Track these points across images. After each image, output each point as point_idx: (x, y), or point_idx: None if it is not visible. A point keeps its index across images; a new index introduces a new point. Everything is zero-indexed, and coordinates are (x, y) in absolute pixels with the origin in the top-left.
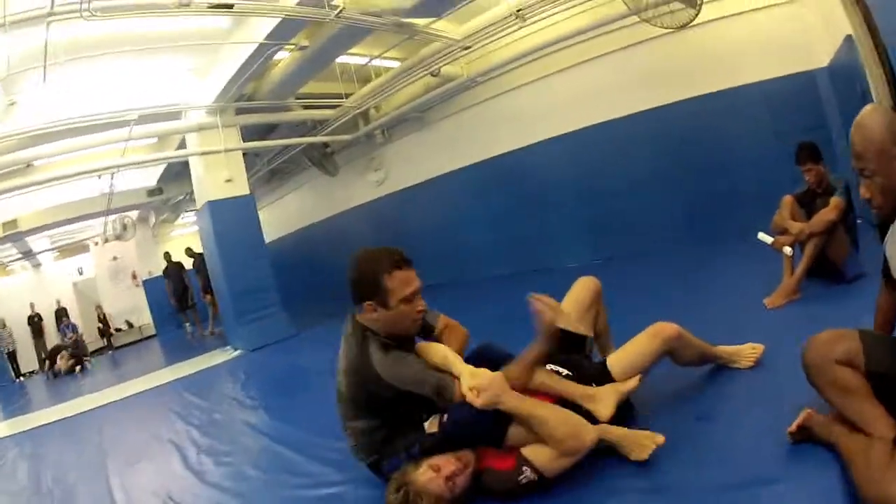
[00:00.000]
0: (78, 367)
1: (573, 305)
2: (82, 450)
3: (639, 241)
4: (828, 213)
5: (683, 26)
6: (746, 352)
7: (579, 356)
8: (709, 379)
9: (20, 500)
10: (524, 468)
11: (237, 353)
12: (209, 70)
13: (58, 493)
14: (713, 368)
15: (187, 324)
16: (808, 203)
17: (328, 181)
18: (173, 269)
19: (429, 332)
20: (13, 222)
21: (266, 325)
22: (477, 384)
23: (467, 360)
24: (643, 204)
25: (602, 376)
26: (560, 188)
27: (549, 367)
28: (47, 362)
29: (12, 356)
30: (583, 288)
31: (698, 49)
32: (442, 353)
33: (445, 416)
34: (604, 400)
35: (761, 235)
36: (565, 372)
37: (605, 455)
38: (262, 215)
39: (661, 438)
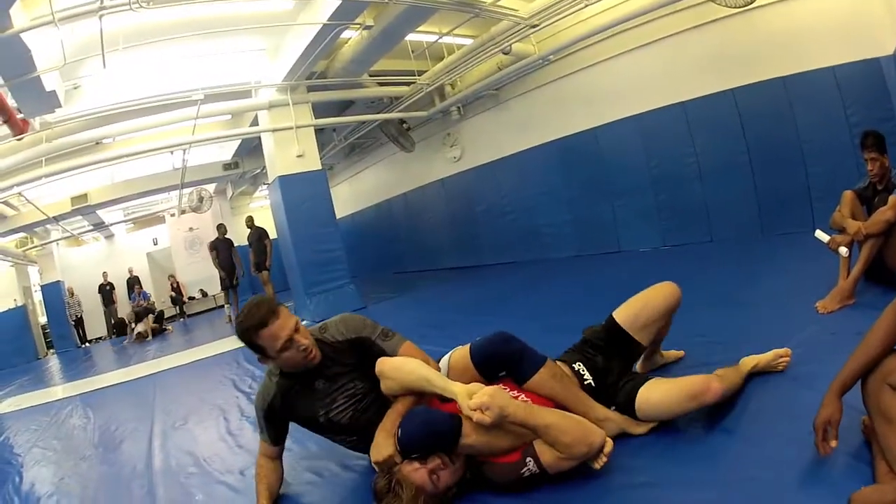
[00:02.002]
0: (162, 331)
1: (641, 310)
2: (133, 412)
3: (707, 230)
4: (885, 213)
5: (747, 5)
6: (772, 359)
7: (623, 363)
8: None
9: (64, 456)
10: (528, 460)
11: (303, 323)
12: (278, 49)
13: (101, 451)
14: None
15: (227, 305)
16: (869, 199)
17: (405, 157)
18: (222, 242)
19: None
20: (83, 196)
21: (333, 298)
22: (479, 403)
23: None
24: (712, 191)
25: (624, 408)
26: (630, 171)
27: (578, 365)
28: (130, 326)
29: (79, 322)
30: (660, 297)
31: (765, 31)
32: (422, 373)
33: (399, 430)
34: (606, 429)
35: (818, 233)
36: (588, 380)
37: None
38: (341, 189)
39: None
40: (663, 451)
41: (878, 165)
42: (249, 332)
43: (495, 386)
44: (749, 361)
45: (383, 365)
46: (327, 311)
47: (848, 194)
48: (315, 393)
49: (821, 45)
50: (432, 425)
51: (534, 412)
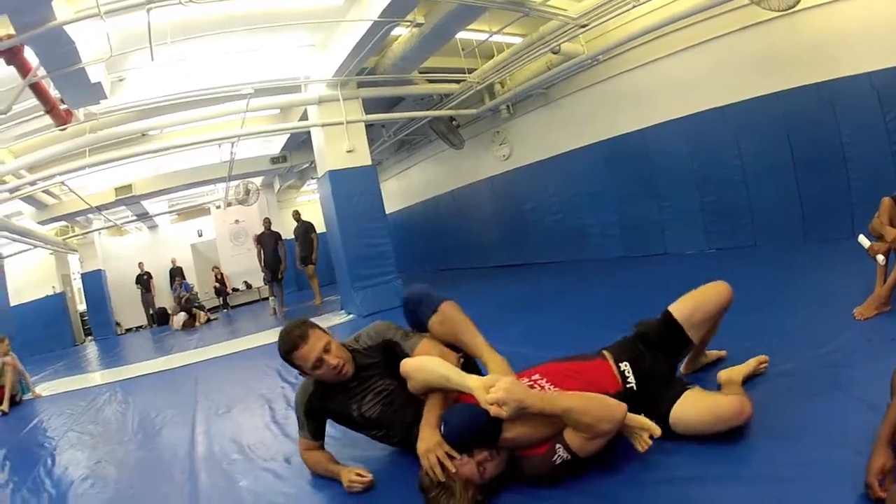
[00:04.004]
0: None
1: (698, 307)
2: (175, 399)
3: (751, 234)
4: None
5: (790, 8)
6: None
7: (669, 362)
8: (769, 393)
9: (101, 441)
10: (558, 447)
11: (349, 317)
12: (328, 45)
13: (140, 437)
14: (776, 384)
15: (271, 298)
16: None
17: (454, 154)
18: (267, 236)
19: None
20: (127, 187)
21: (380, 292)
22: (495, 399)
23: None
24: (756, 195)
25: (662, 419)
26: (676, 173)
27: (624, 365)
28: (178, 316)
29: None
30: (715, 295)
31: (807, 35)
32: (441, 371)
33: (442, 425)
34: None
35: (861, 239)
36: (631, 383)
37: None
38: (389, 185)
39: (657, 431)
40: (698, 448)
41: None
42: (284, 354)
43: (511, 378)
44: (737, 374)
45: (406, 366)
46: (374, 305)
47: (886, 201)
48: (349, 391)
49: (861, 49)
50: (475, 420)
51: (551, 399)
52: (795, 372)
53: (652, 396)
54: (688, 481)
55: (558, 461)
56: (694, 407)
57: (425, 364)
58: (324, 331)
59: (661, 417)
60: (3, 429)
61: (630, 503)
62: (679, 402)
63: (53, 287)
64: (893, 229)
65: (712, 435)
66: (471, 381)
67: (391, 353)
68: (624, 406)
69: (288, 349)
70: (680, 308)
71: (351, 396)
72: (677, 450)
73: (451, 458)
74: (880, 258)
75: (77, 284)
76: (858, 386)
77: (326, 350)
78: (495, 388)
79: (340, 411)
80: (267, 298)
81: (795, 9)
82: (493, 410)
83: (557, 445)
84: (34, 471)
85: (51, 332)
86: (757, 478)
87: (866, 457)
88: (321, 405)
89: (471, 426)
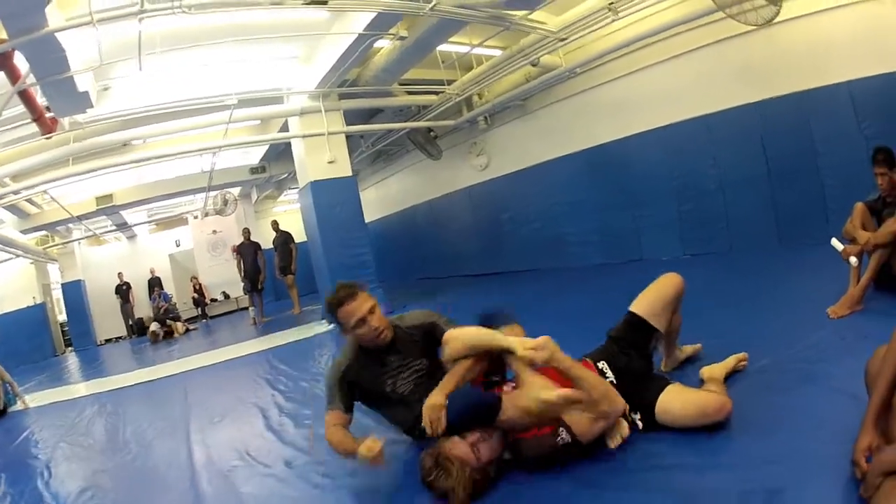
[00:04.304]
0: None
1: (655, 299)
2: (164, 409)
3: (726, 239)
4: (892, 224)
5: (767, 23)
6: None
7: (644, 349)
8: (747, 388)
9: (96, 452)
10: (561, 429)
11: (331, 326)
12: (312, 57)
13: (134, 447)
14: (754, 380)
15: (251, 308)
16: (879, 212)
17: (431, 164)
18: (247, 246)
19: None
20: (108, 196)
21: None
22: (534, 344)
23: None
24: (732, 202)
25: (644, 411)
26: (653, 181)
27: (602, 364)
28: (152, 327)
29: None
30: (669, 284)
31: (786, 46)
32: (481, 334)
33: (449, 410)
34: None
35: (834, 242)
36: (610, 377)
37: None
38: (366, 195)
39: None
40: (681, 438)
41: (887, 180)
42: (331, 307)
43: (546, 337)
44: (718, 372)
45: (449, 334)
46: None
47: (859, 206)
48: (386, 366)
49: (839, 59)
50: (475, 399)
51: (574, 363)
52: (771, 368)
53: (634, 391)
54: (672, 468)
55: (561, 443)
56: (679, 400)
57: (468, 330)
58: (370, 295)
59: (646, 408)
60: None
61: (618, 488)
62: (664, 393)
63: (34, 297)
64: (866, 233)
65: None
66: (508, 340)
67: (431, 337)
68: (623, 402)
69: (337, 303)
70: (640, 304)
71: (387, 372)
72: (661, 439)
73: (446, 437)
74: (853, 260)
75: (56, 294)
76: (833, 379)
77: (371, 312)
78: (534, 341)
79: (373, 388)
80: (246, 308)
81: (774, 21)
82: (531, 354)
83: (561, 428)
84: (31, 483)
85: (33, 343)
86: (737, 465)
87: (840, 443)
88: (356, 378)
89: (471, 403)
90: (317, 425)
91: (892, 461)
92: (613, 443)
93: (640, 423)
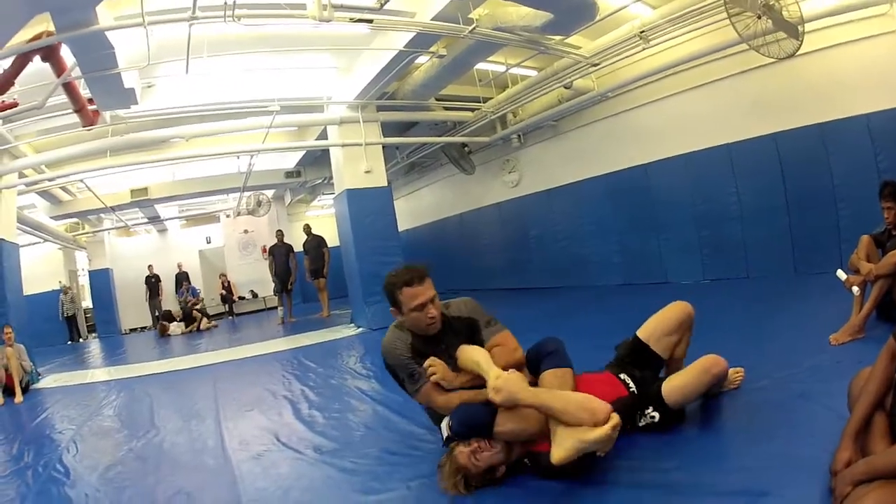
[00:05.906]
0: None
1: (657, 325)
2: (193, 397)
3: (743, 266)
4: (894, 256)
5: (789, 56)
6: (732, 376)
7: (653, 373)
8: (745, 405)
9: (126, 430)
10: None
11: (359, 330)
12: (352, 69)
13: (163, 429)
14: (752, 396)
15: (280, 308)
16: (884, 244)
17: (464, 178)
18: (279, 247)
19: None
20: (143, 189)
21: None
22: (495, 385)
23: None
24: (750, 230)
25: (657, 401)
26: (676, 207)
27: (623, 376)
28: (173, 325)
29: (71, 319)
30: (672, 312)
31: (806, 79)
32: (478, 355)
33: (452, 420)
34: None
35: (839, 273)
36: (632, 388)
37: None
38: (398, 205)
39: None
40: (681, 444)
41: (893, 214)
42: (395, 285)
43: (514, 375)
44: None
45: (461, 349)
46: (383, 320)
47: (865, 239)
48: (438, 351)
49: (857, 92)
50: (470, 413)
51: (541, 397)
52: (770, 387)
53: (647, 387)
54: (672, 471)
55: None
56: (678, 376)
57: (468, 351)
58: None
59: (655, 398)
60: (18, 417)
61: (619, 488)
62: (665, 380)
63: (60, 281)
64: (868, 264)
65: (695, 422)
66: (491, 371)
67: (471, 331)
68: (606, 405)
69: (403, 283)
70: (644, 329)
71: (439, 354)
72: (662, 446)
73: (457, 443)
74: (855, 290)
75: (82, 281)
76: (825, 397)
77: (432, 300)
78: (501, 378)
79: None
80: (274, 308)
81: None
82: (490, 396)
83: None
84: (57, 455)
85: (55, 326)
86: (733, 469)
87: (827, 453)
88: (424, 351)
89: (467, 416)
90: (345, 416)
91: (862, 472)
92: (601, 452)
93: (655, 416)
